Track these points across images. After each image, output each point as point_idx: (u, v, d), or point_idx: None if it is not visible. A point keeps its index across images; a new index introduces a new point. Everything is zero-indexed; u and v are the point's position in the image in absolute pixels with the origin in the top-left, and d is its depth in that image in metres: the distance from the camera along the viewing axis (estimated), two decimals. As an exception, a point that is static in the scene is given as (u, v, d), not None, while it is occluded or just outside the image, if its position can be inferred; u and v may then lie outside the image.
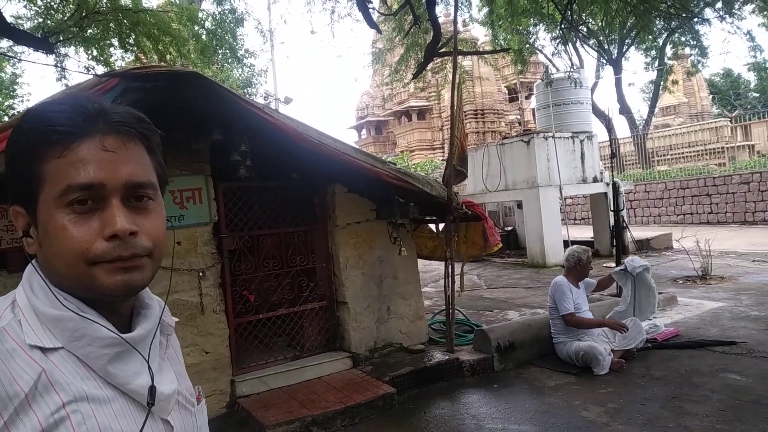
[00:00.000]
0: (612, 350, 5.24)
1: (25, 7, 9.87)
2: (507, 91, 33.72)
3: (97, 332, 0.76)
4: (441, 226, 6.09)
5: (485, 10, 12.48)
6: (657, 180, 19.58)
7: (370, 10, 8.92)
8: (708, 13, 11.41)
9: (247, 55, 16.12)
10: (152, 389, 0.79)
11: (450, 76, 6.97)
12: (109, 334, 0.77)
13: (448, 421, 4.40)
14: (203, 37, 11.68)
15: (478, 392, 4.96)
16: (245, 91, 17.82)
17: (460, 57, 6.78)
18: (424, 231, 6.60)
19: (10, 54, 12.93)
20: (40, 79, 43.19)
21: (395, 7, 10.36)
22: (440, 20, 9.09)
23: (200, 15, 12.15)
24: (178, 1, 14.62)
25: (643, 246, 13.20)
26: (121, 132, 0.78)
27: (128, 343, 0.78)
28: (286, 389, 4.84)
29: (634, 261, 5.80)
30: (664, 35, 16.55)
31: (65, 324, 0.75)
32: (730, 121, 24.61)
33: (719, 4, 11.13)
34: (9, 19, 8.16)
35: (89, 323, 0.76)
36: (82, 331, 0.75)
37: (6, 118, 16.21)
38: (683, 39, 14.79)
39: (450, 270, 5.65)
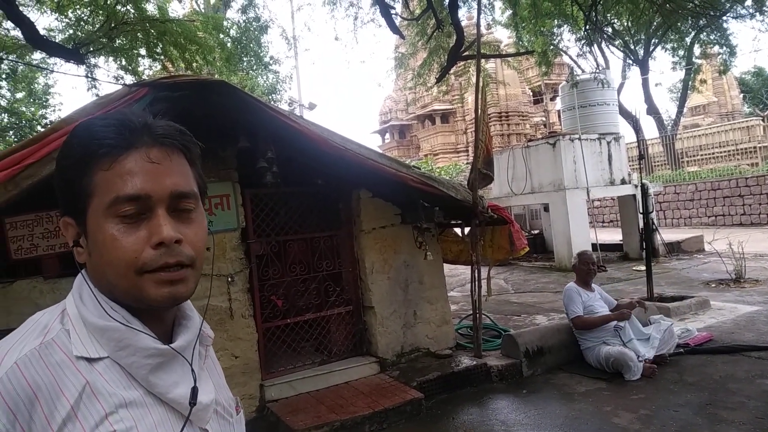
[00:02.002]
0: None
1: (56, 19, 10.16)
2: (531, 93, 33.47)
3: (141, 342, 0.79)
4: (467, 230, 6.06)
5: (508, 12, 12.43)
6: (687, 181, 19.19)
7: (393, 16, 8.95)
8: (737, 11, 11.13)
9: (271, 62, 16.32)
10: (195, 390, 0.81)
11: (473, 79, 6.94)
12: (152, 344, 0.80)
13: (477, 426, 4.36)
14: (228, 45, 11.86)
15: (507, 398, 4.91)
16: (270, 97, 18.02)
17: (483, 60, 6.76)
18: (449, 235, 6.57)
19: (43, 65, 13.32)
20: (71, 89, 44.48)
21: (418, 11, 10.36)
22: (463, 23, 9.08)
23: (225, 23, 12.33)
24: (203, 10, 14.88)
25: (674, 249, 12.96)
26: (164, 144, 0.81)
27: (175, 350, 0.82)
28: (314, 394, 4.86)
29: (660, 323, 5.43)
30: (692, 34, 16.23)
31: (111, 334, 0.78)
32: (763, 120, 24.00)
33: (748, 2, 10.86)
34: (41, 32, 8.39)
35: (134, 333, 0.79)
36: (127, 342, 0.78)
37: (39, 128, 16.65)
38: (711, 38, 14.48)
39: (476, 274, 5.61)
